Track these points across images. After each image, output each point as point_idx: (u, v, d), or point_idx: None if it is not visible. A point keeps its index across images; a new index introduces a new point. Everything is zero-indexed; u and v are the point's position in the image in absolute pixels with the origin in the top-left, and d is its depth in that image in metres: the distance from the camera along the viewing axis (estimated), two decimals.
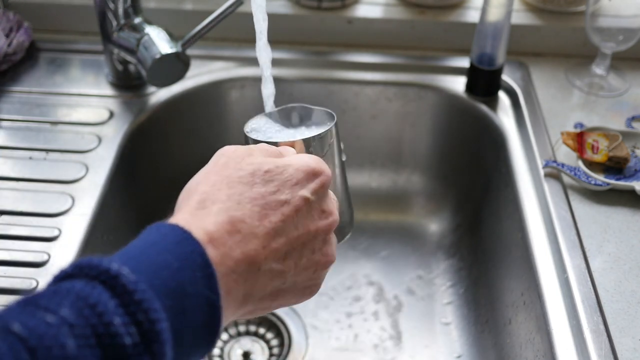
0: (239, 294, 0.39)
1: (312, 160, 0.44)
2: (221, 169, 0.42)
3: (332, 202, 0.45)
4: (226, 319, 0.38)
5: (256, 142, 0.49)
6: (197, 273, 0.36)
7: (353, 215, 0.55)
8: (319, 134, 0.49)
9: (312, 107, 0.55)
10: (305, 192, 0.42)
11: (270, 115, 0.54)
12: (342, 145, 0.53)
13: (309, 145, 0.49)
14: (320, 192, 0.43)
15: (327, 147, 0.50)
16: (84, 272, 0.33)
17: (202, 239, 0.37)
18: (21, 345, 0.29)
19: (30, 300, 0.32)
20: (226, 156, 0.43)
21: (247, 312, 0.41)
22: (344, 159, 0.53)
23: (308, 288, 0.44)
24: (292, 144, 0.48)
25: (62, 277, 0.34)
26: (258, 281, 0.39)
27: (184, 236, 0.37)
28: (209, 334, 0.36)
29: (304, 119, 0.55)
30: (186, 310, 0.35)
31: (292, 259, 0.41)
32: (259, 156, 0.43)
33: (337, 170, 0.52)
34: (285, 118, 0.55)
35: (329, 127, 0.50)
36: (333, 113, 0.53)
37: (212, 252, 0.37)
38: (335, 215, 0.44)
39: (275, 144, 0.48)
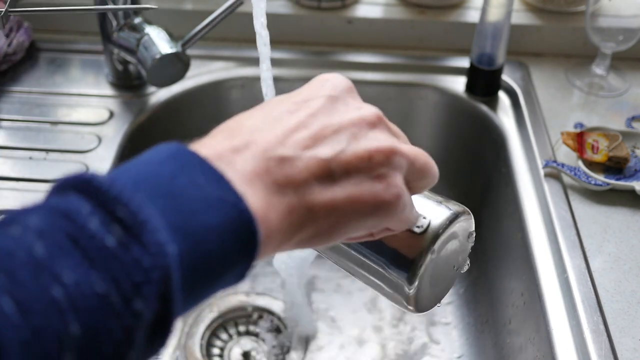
0: (267, 183, 0.33)
1: (322, 74, 0.41)
2: None
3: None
4: (270, 212, 0.33)
5: None
6: (199, 178, 0.31)
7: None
8: None
9: None
10: (324, 91, 0.38)
11: None
12: None
13: None
14: (342, 88, 0.39)
15: None
16: (59, 187, 0.30)
17: (196, 148, 0.33)
18: None
19: (3, 221, 0.29)
20: None
21: (309, 211, 0.34)
22: None
23: (375, 180, 0.36)
24: None
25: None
26: (286, 167, 0.34)
27: (179, 148, 0.32)
28: (242, 235, 0.31)
29: None
30: (193, 212, 0.30)
31: (325, 144, 0.35)
32: None
33: None
34: None
35: None
36: None
37: (209, 152, 0.33)
38: (371, 107, 0.38)
39: None
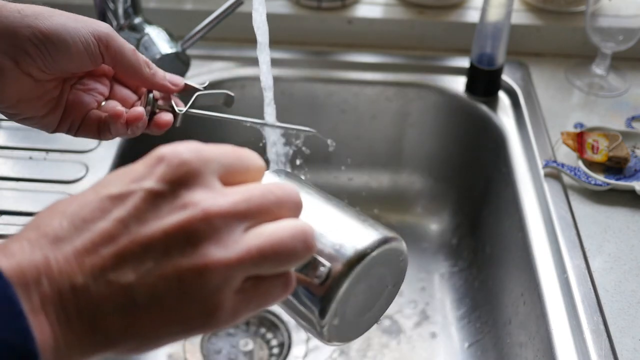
0: (58, 313, 0.30)
1: (161, 148, 0.33)
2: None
3: (213, 192, 0.32)
4: (58, 345, 0.30)
5: None
6: None
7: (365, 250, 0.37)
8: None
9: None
10: (148, 181, 0.31)
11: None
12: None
13: None
14: (173, 177, 0.31)
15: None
16: None
17: (3, 259, 0.30)
18: None
19: None
20: None
21: (105, 338, 0.31)
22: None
23: (186, 303, 0.31)
24: None
25: None
26: (79, 296, 0.30)
27: None
28: None
29: None
30: None
31: (129, 265, 0.31)
32: None
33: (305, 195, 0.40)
34: None
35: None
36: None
37: (13, 268, 0.30)
38: (199, 209, 0.31)
39: None
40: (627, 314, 0.65)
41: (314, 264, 0.36)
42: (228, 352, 0.88)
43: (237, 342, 0.89)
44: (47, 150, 0.82)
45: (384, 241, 0.37)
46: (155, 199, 0.31)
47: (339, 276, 0.35)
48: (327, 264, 0.36)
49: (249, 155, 0.35)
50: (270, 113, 0.58)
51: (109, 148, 0.83)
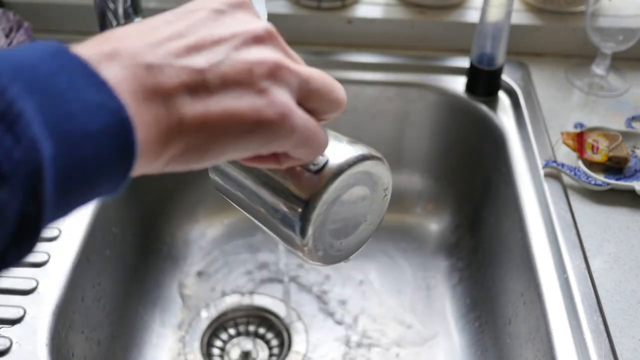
0: (134, 91, 0.30)
1: None
2: None
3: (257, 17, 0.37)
4: (137, 122, 0.30)
5: None
6: (79, 81, 0.29)
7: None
8: None
9: None
10: (212, 3, 0.35)
11: None
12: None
13: None
14: (233, 2, 0.36)
15: None
16: None
17: (72, 49, 0.30)
18: None
19: None
20: None
21: (178, 123, 0.32)
22: None
23: (257, 94, 0.33)
24: None
25: None
26: (155, 75, 0.31)
27: (59, 48, 0.30)
28: (120, 144, 0.29)
29: None
30: (71, 114, 0.28)
31: (201, 55, 0.33)
32: None
33: None
34: None
35: None
36: None
37: (84, 51, 0.30)
38: (263, 23, 0.35)
39: None
40: (627, 314, 0.65)
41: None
42: (228, 352, 0.88)
43: (237, 342, 0.89)
44: None
45: (381, 157, 0.39)
46: (219, 15, 0.35)
47: (336, 168, 0.37)
48: (326, 155, 0.37)
49: None
50: None
51: None
